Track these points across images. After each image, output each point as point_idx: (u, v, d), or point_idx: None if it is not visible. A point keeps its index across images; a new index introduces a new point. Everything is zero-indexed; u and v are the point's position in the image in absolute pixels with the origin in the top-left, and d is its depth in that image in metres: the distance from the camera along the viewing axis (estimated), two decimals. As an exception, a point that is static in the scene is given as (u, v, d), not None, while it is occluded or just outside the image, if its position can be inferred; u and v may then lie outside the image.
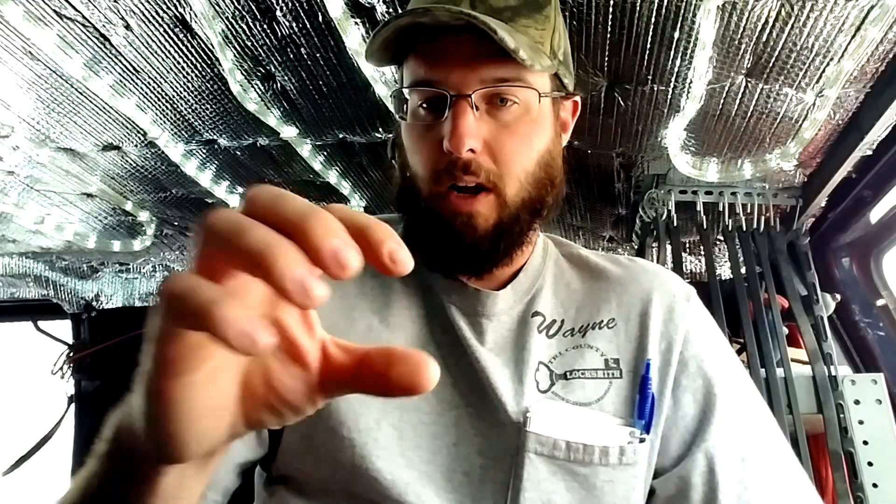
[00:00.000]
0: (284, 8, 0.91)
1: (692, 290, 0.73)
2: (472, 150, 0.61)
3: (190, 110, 1.18)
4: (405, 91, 0.65)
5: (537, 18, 0.64)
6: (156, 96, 1.13)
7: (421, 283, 0.70)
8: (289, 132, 1.23)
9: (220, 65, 1.02)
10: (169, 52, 1.00)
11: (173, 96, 1.13)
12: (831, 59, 0.95)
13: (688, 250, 1.76)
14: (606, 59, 0.99)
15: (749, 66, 0.99)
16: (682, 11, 0.89)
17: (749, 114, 1.11)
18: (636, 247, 1.66)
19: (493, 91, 0.62)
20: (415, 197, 0.65)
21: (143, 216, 1.65)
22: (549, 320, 0.69)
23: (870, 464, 1.20)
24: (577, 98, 0.73)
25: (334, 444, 0.61)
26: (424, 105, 0.64)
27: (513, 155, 0.63)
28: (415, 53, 0.64)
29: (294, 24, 0.94)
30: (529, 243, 0.70)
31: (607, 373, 0.66)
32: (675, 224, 1.44)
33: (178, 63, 1.04)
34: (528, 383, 0.65)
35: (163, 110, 1.17)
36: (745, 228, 1.45)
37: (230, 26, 0.95)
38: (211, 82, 1.09)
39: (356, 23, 0.92)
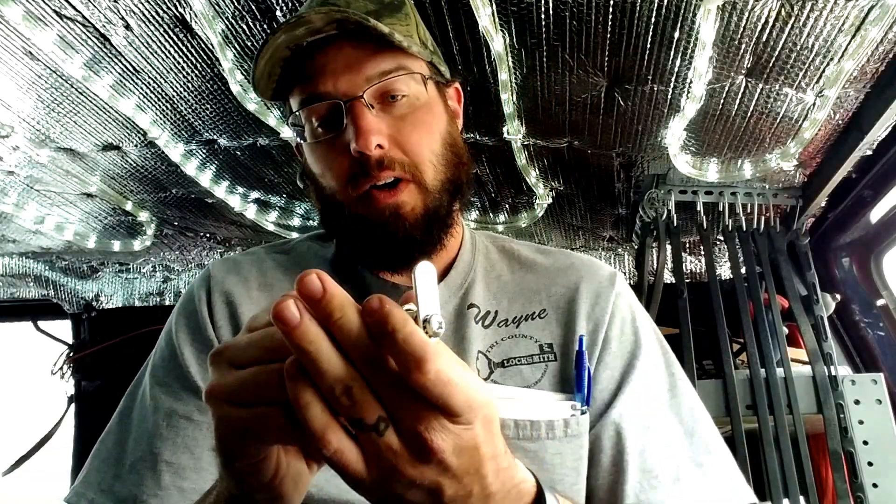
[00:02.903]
0: (284, 8, 0.91)
1: (617, 273, 0.78)
2: (380, 147, 0.63)
3: (190, 110, 1.18)
4: (302, 116, 0.67)
5: (399, 17, 0.68)
6: (156, 96, 1.13)
7: (357, 288, 0.71)
8: (289, 132, 1.23)
9: (220, 65, 1.02)
10: (169, 52, 1.00)
11: (173, 96, 1.13)
12: (831, 59, 0.95)
13: (688, 250, 1.76)
14: (606, 59, 0.99)
15: (749, 66, 0.99)
16: (682, 11, 0.89)
17: (749, 114, 1.11)
18: (636, 247, 1.66)
19: (382, 87, 0.65)
20: (337, 208, 0.67)
21: (143, 216, 1.64)
22: (484, 311, 0.73)
23: (870, 464, 1.20)
24: (458, 85, 0.77)
25: None
26: (321, 122, 0.67)
27: (419, 142, 0.66)
28: (296, 81, 0.67)
29: (294, 24, 0.94)
30: (456, 227, 0.74)
31: (542, 356, 0.70)
32: (675, 224, 1.45)
33: (178, 63, 1.04)
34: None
35: (163, 110, 1.17)
36: (745, 228, 1.45)
37: (230, 26, 0.95)
38: (211, 82, 1.09)
39: (356, 23, 0.92)
